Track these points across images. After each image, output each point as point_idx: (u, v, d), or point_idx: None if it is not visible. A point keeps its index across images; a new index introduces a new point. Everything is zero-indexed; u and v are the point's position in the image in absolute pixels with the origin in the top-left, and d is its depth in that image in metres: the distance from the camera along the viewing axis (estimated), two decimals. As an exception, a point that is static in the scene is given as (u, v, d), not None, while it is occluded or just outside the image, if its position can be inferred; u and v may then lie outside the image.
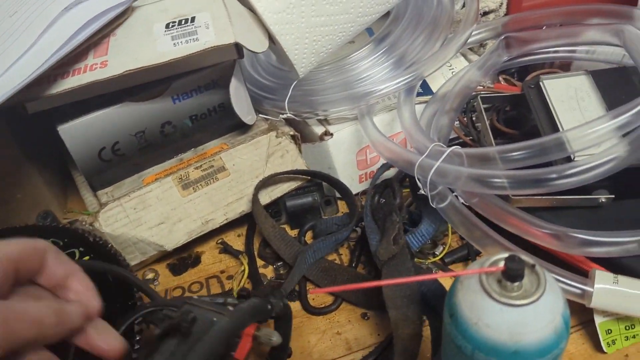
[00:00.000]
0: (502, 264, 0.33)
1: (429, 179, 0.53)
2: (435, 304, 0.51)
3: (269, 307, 0.43)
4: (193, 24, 0.54)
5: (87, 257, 0.54)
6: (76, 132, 0.57)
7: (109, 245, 0.57)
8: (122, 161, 0.61)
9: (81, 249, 0.54)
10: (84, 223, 0.59)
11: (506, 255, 0.34)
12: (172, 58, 0.52)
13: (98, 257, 0.54)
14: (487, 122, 0.59)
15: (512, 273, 0.33)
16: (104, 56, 0.52)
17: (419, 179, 0.55)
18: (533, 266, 0.34)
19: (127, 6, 0.54)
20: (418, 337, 0.49)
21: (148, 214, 0.59)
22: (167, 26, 0.54)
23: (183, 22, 0.54)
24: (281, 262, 0.62)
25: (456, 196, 0.55)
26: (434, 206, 0.55)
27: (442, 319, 0.48)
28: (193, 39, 0.53)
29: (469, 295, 0.34)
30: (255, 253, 0.64)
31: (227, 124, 0.66)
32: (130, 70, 0.51)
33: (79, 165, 0.59)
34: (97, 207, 0.60)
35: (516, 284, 0.33)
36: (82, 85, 0.51)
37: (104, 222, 0.58)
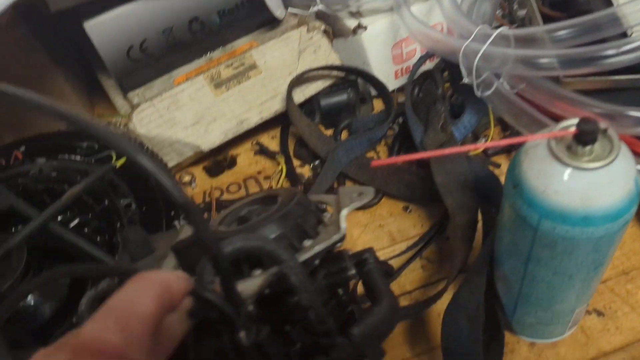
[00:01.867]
0: (572, 130, 0.32)
1: (474, 65, 0.51)
2: (485, 190, 0.50)
3: None
4: None
5: (122, 160, 0.53)
6: (103, 28, 0.55)
7: (146, 147, 0.56)
8: (151, 61, 0.59)
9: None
10: (118, 125, 0.58)
11: (576, 120, 0.32)
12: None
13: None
14: (534, 3, 0.56)
15: (585, 136, 0.31)
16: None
17: (463, 67, 0.52)
18: (605, 130, 0.32)
19: None
20: (474, 223, 0.48)
21: (182, 114, 0.58)
22: None
23: None
24: (318, 161, 0.61)
25: (502, 83, 0.52)
26: (478, 95, 0.53)
27: (494, 204, 0.48)
28: None
29: (536, 164, 0.33)
30: (291, 153, 0.63)
31: (255, 20, 0.63)
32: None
33: (108, 65, 0.57)
34: (129, 109, 0.59)
35: (587, 147, 0.32)
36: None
37: (139, 122, 0.57)
